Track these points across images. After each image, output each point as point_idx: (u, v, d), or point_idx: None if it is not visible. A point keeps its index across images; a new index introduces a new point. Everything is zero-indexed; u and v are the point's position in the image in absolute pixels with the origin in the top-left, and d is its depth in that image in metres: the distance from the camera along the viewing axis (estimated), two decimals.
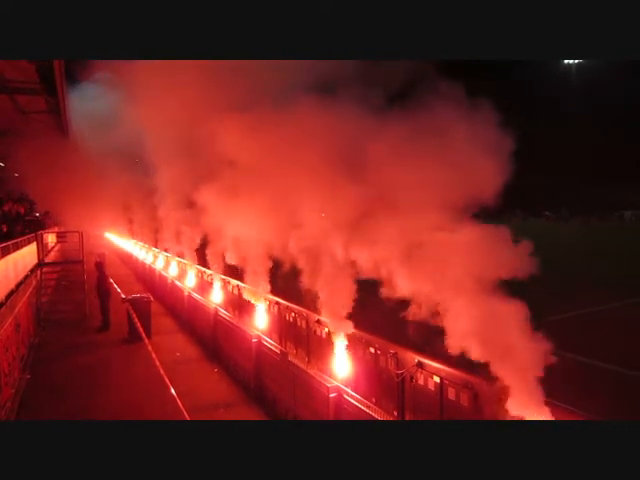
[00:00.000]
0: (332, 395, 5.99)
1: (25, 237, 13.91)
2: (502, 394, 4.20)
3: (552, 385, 4.07)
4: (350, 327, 6.55)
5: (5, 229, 13.98)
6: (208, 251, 11.65)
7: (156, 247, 20.77)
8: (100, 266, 14.18)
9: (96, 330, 13.36)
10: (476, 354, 4.34)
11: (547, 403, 4.01)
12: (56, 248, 21.38)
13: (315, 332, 7.56)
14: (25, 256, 13.41)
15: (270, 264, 8.83)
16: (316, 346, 7.50)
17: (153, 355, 8.35)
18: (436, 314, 4.83)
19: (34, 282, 14.09)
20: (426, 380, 5.20)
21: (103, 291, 13.73)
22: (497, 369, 4.23)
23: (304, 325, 7.96)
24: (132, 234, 26.29)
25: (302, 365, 7.16)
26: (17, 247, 12.11)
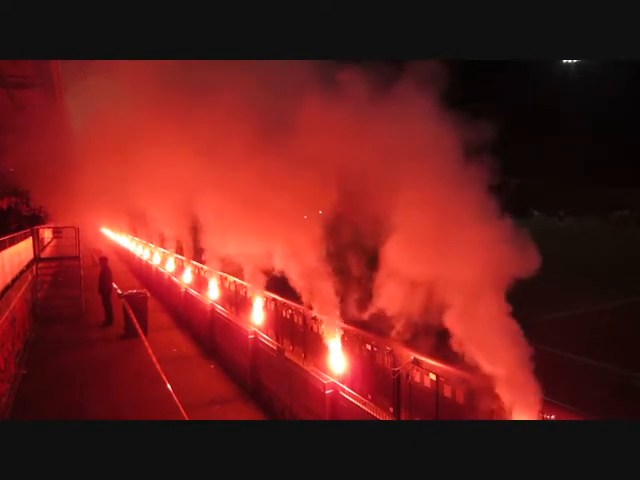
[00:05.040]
0: (328, 392, 6.02)
1: (21, 232, 13.85)
2: (499, 393, 4.21)
3: (550, 384, 4.08)
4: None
5: None
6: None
7: (152, 243, 20.70)
8: (104, 261, 14.15)
9: (98, 326, 13.34)
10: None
11: (546, 403, 4.02)
12: (52, 243, 21.29)
13: (312, 329, 7.57)
14: (21, 251, 13.36)
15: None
16: (312, 343, 7.51)
17: (149, 351, 8.35)
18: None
19: (30, 277, 14.05)
20: (422, 377, 5.22)
21: (106, 287, 13.69)
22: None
23: (301, 322, 7.97)
24: (129, 230, 26.20)
25: (298, 362, 7.18)
26: (13, 242, 12.07)
